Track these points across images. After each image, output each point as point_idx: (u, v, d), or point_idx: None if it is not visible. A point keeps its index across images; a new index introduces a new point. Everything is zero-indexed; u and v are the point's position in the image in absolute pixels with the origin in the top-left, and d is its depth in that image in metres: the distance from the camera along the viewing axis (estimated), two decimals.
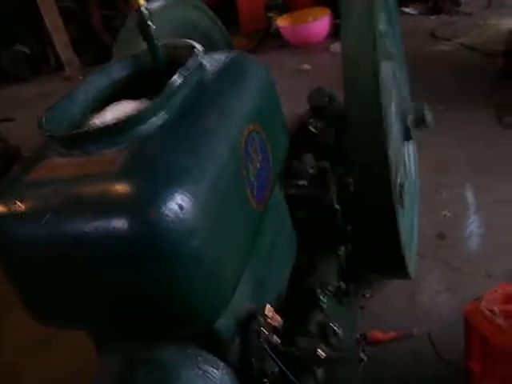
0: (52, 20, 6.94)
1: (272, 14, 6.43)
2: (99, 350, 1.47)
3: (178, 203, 1.07)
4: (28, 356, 2.78)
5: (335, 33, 5.89)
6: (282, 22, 6.20)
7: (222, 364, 1.35)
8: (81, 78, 7.18)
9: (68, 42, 7.22)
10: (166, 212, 1.06)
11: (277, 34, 6.29)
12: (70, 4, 7.39)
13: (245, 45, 5.66)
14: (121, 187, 1.10)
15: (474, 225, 2.99)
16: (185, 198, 1.09)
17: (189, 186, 1.11)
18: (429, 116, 2.39)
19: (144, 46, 1.79)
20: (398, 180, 2.13)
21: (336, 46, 5.67)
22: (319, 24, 5.94)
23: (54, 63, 7.72)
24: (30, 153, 4.15)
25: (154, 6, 2.05)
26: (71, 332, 2.40)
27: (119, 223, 1.07)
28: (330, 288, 1.73)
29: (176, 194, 1.08)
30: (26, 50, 7.68)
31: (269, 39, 6.42)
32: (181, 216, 1.07)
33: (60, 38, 7.15)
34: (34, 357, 2.76)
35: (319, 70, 5.26)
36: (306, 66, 5.36)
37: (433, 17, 5.95)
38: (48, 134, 1.26)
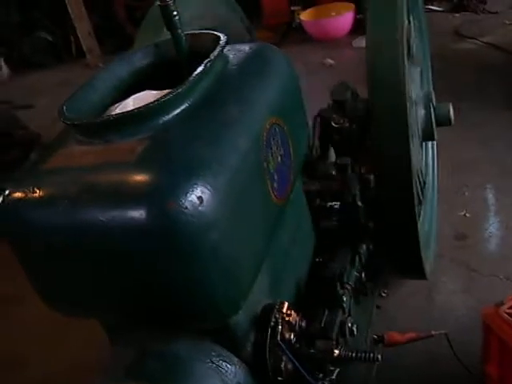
0: (75, 8, 6.95)
1: (295, 8, 6.38)
2: (111, 341, 1.47)
3: (197, 195, 1.06)
4: (39, 345, 2.78)
5: (358, 28, 5.84)
6: (305, 16, 6.15)
7: (237, 359, 1.34)
8: (101, 65, 7.20)
9: (91, 31, 7.23)
10: (186, 204, 1.05)
11: (300, 28, 6.24)
12: None
13: (268, 38, 5.61)
14: (139, 177, 1.09)
15: (493, 226, 2.94)
16: (204, 191, 1.07)
17: (209, 179, 1.09)
18: (452, 115, 2.35)
19: (166, 35, 1.79)
20: (419, 178, 2.11)
21: (358, 41, 5.62)
22: (342, 19, 5.90)
23: (76, 51, 7.72)
24: (50, 140, 4.17)
25: None
26: (83, 322, 2.42)
27: (137, 214, 1.06)
28: (349, 286, 1.71)
29: (196, 186, 1.07)
30: (49, 37, 7.69)
31: (292, 33, 6.38)
32: (200, 208, 1.06)
33: (83, 26, 7.16)
34: (44, 346, 2.77)
35: (342, 64, 5.21)
36: (329, 61, 5.31)
37: (458, 14, 5.87)
38: (68, 121, 1.25)
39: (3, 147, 4.12)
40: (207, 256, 1.10)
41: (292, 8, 6.42)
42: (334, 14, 5.97)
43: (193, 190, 1.06)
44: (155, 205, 1.05)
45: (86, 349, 2.62)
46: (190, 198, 1.05)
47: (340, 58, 5.42)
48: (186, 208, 1.04)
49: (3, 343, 2.84)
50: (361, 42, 5.57)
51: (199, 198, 1.06)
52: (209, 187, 1.08)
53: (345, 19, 5.88)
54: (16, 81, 7.21)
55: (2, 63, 7.31)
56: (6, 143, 4.14)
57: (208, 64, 1.30)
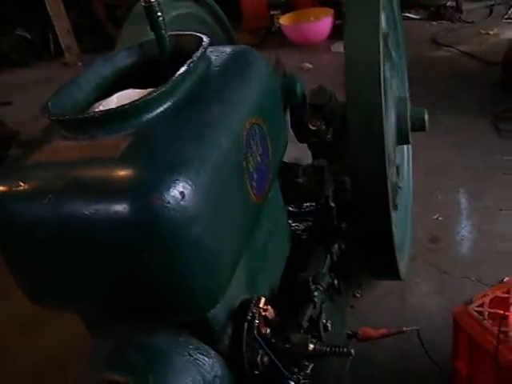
0: (54, 6, 6.93)
1: (275, 12, 6.44)
2: (91, 333, 1.50)
3: (179, 190, 1.10)
4: (20, 337, 2.79)
5: (337, 33, 5.91)
6: (284, 21, 6.21)
7: (214, 353, 1.37)
8: (79, 64, 7.19)
9: (69, 28, 7.21)
10: (168, 199, 1.08)
11: (279, 32, 6.30)
12: None
13: (248, 41, 5.65)
14: (124, 172, 1.12)
15: (465, 230, 3.02)
16: (186, 186, 1.11)
17: (190, 175, 1.13)
18: (427, 121, 2.41)
19: (149, 35, 1.81)
20: (394, 181, 2.16)
21: (337, 46, 5.70)
22: (321, 24, 5.96)
23: (54, 49, 7.70)
24: (28, 137, 4.17)
25: None
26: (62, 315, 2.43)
27: (121, 207, 1.09)
28: (322, 284, 1.75)
29: (178, 182, 1.10)
30: (27, 35, 7.65)
31: (271, 37, 6.43)
32: (182, 203, 1.10)
33: (61, 24, 7.14)
34: (26, 338, 2.78)
35: (320, 69, 5.27)
36: (307, 65, 5.37)
37: (434, 23, 5.97)
38: (53, 117, 1.27)
39: None
40: (188, 249, 1.13)
41: (271, 12, 6.48)
42: (312, 18, 6.04)
43: (175, 186, 1.09)
44: (139, 199, 1.09)
45: (63, 341, 2.64)
46: (172, 193, 1.09)
47: (318, 63, 5.49)
48: (169, 202, 1.08)
49: None
50: (339, 47, 5.64)
51: (181, 193, 1.10)
52: (190, 183, 1.12)
53: (323, 24, 5.95)
54: None
55: None
56: None
57: (191, 64, 1.33)
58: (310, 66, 5.37)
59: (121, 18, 6.94)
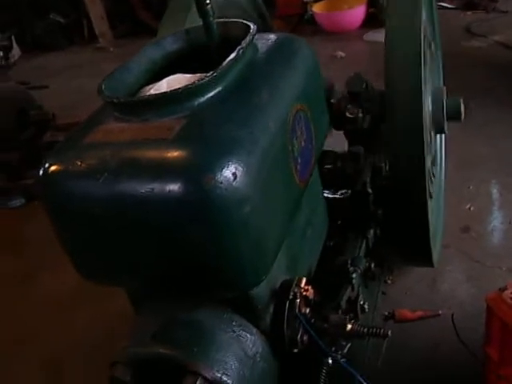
0: None
1: (308, 0, 6.45)
2: (136, 309, 1.56)
3: (232, 172, 1.14)
4: (47, 324, 2.88)
5: (370, 21, 5.91)
6: (317, 8, 6.22)
7: (256, 330, 1.43)
8: (112, 49, 7.28)
9: (103, 14, 7.31)
10: (221, 179, 1.13)
11: (311, 20, 6.31)
12: None
13: (280, 28, 5.68)
14: (178, 153, 1.17)
15: (497, 220, 3.03)
16: (238, 168, 1.15)
17: (242, 157, 1.18)
18: (462, 110, 2.42)
19: (191, 22, 1.87)
20: (430, 169, 2.18)
21: (370, 35, 5.69)
22: (354, 12, 5.96)
23: (88, 34, 7.79)
24: (64, 121, 4.24)
25: None
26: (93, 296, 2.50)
27: (175, 187, 1.14)
28: (360, 266, 1.79)
29: (230, 163, 1.15)
30: (61, 20, 7.75)
31: (303, 24, 6.44)
32: (234, 184, 1.14)
33: (96, 10, 7.25)
34: (52, 325, 2.86)
35: (353, 57, 5.29)
36: (340, 53, 5.38)
37: (469, 12, 5.93)
38: (108, 99, 1.32)
39: (19, 126, 4.19)
40: (238, 228, 1.18)
41: (305, 0, 6.48)
42: (346, 7, 6.04)
43: (228, 167, 1.14)
44: (193, 179, 1.13)
45: (91, 329, 2.72)
46: (225, 174, 1.13)
47: (351, 51, 5.49)
48: (222, 183, 1.13)
49: (13, 321, 2.94)
50: (372, 35, 5.64)
51: (233, 174, 1.14)
52: (242, 164, 1.16)
53: (357, 12, 5.95)
54: (28, 62, 7.27)
55: (14, 44, 7.35)
56: (22, 122, 4.21)
57: (240, 51, 1.37)
58: (343, 54, 5.38)
59: (154, 4, 7.01)
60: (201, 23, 1.56)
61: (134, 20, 7.49)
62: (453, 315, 1.63)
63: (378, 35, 5.22)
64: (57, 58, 7.40)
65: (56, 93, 5.58)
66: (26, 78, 5.45)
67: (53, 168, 1.29)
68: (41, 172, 1.30)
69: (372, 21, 5.87)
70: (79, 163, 1.25)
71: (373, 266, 1.95)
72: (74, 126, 3.84)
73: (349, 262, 1.76)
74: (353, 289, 1.72)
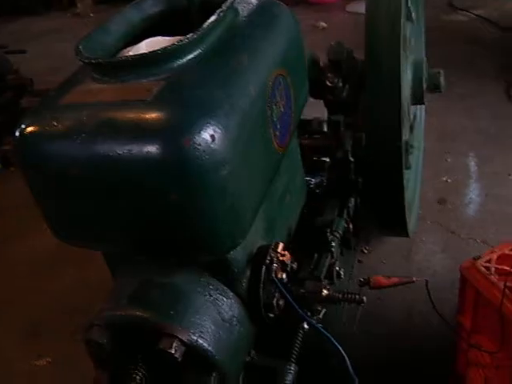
0: None
1: None
2: (114, 273, 1.56)
3: (210, 134, 1.14)
4: (27, 284, 2.88)
5: None
6: None
7: (232, 294, 1.44)
8: (91, 15, 7.16)
9: None
10: (199, 141, 1.12)
11: None
12: None
13: None
14: (156, 114, 1.16)
15: (473, 193, 3.07)
16: (217, 130, 1.15)
17: (221, 119, 1.17)
18: (443, 82, 2.43)
19: None
20: (407, 140, 2.19)
21: (352, 6, 5.68)
22: None
23: None
24: (42, 86, 4.16)
25: None
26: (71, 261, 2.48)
27: (154, 148, 1.13)
28: (338, 234, 1.81)
29: (209, 125, 1.14)
30: None
31: None
32: (212, 146, 1.14)
33: None
34: (33, 285, 2.86)
35: (335, 28, 5.27)
36: (322, 24, 5.36)
37: None
38: (86, 60, 1.30)
39: None
40: (216, 191, 1.18)
41: None
42: None
43: (206, 129, 1.14)
44: (171, 140, 1.13)
45: (68, 294, 2.72)
46: (203, 136, 1.13)
47: (333, 22, 5.47)
48: (200, 145, 1.12)
49: None
50: (355, 6, 5.62)
51: (212, 136, 1.14)
52: (220, 127, 1.16)
53: None
54: (5, 26, 7.12)
55: None
56: None
57: (221, 13, 1.36)
58: (325, 24, 5.36)
59: None
60: None
61: None
62: (427, 282, 1.65)
63: (361, 6, 5.17)
64: (34, 22, 7.26)
65: (34, 58, 5.47)
66: (2, 42, 5.34)
67: (29, 129, 1.27)
68: (17, 133, 1.28)
69: None
70: (56, 124, 1.24)
71: (351, 227, 1.96)
72: None
73: (328, 230, 1.77)
74: (332, 257, 1.73)
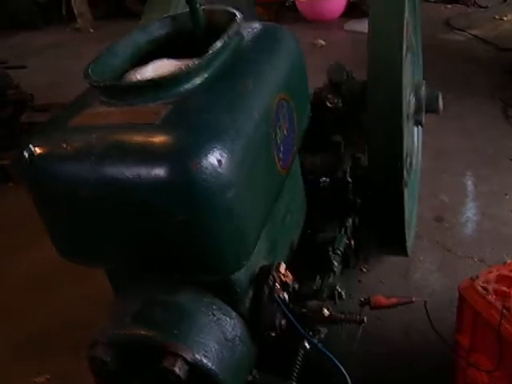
0: None
1: None
2: (116, 291, 1.58)
3: (217, 158, 1.17)
4: (26, 299, 2.88)
5: (351, 11, 5.94)
6: None
7: (235, 314, 1.46)
8: (91, 30, 7.21)
9: None
10: (206, 165, 1.15)
11: (293, 7, 6.33)
12: None
13: (261, 15, 5.69)
14: (164, 138, 1.19)
15: (470, 212, 3.09)
16: (223, 154, 1.18)
17: (227, 143, 1.20)
18: (441, 104, 2.46)
19: (176, 8, 1.87)
20: (408, 160, 2.23)
21: (350, 25, 5.73)
22: (336, 1, 5.99)
23: (66, 14, 7.70)
24: (42, 101, 4.17)
25: None
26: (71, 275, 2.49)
27: (162, 171, 1.16)
28: (339, 252, 1.83)
29: (216, 150, 1.17)
30: None
31: (284, 11, 6.47)
32: (218, 170, 1.17)
33: None
34: (32, 300, 2.86)
35: (333, 46, 5.33)
36: (321, 42, 5.42)
37: (449, 6, 6.01)
38: (95, 83, 1.33)
39: None
40: (222, 213, 1.21)
41: None
42: None
43: (213, 153, 1.17)
44: (179, 164, 1.16)
45: (68, 310, 2.73)
46: (210, 160, 1.16)
47: (331, 40, 5.53)
48: (207, 168, 1.15)
49: None
50: (353, 25, 5.68)
51: (218, 160, 1.17)
52: (227, 151, 1.19)
53: (338, 1, 5.99)
54: (4, 40, 7.16)
55: None
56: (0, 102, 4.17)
57: (227, 38, 1.39)
58: (323, 42, 5.42)
59: None
60: (187, 10, 1.57)
61: (114, 1, 7.42)
62: (425, 303, 1.67)
63: (359, 25, 5.26)
64: (34, 37, 7.31)
65: (34, 73, 5.51)
66: (2, 57, 5.38)
67: (38, 150, 1.29)
68: (25, 153, 1.31)
69: (353, 10, 5.92)
70: (65, 146, 1.26)
71: (349, 253, 1.99)
72: (52, 107, 3.80)
73: (328, 248, 1.79)
74: (334, 274, 1.76)
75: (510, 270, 1.77)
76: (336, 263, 1.79)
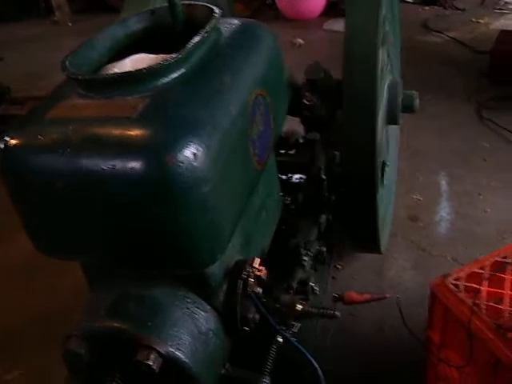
0: None
1: None
2: (91, 284, 1.58)
3: (192, 152, 1.17)
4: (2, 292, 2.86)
5: (330, 10, 5.97)
6: None
7: (209, 307, 1.47)
8: (69, 24, 7.16)
9: None
10: (182, 159, 1.16)
11: (272, 5, 6.35)
12: None
13: (240, 11, 5.69)
14: (140, 131, 1.19)
15: (444, 211, 3.14)
16: (199, 148, 1.19)
17: (203, 138, 1.21)
18: (417, 104, 2.49)
19: (156, 3, 1.87)
20: (381, 158, 2.25)
21: (329, 24, 5.76)
22: (315, 0, 6.01)
23: (44, 7, 7.63)
24: (19, 94, 4.15)
25: None
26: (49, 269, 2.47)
27: (136, 164, 1.16)
28: (312, 249, 1.85)
29: (192, 144, 1.18)
30: None
31: (264, 9, 6.48)
32: (194, 164, 1.17)
33: None
34: (9, 293, 2.84)
35: (312, 45, 5.35)
36: (299, 41, 5.44)
37: (427, 7, 6.06)
38: (72, 76, 1.33)
39: None
40: (197, 207, 1.22)
41: None
42: None
43: (189, 147, 1.17)
44: (154, 157, 1.16)
45: (44, 303, 2.72)
46: (185, 154, 1.16)
47: (310, 39, 5.55)
48: (182, 162, 1.16)
49: None
50: (332, 24, 5.71)
51: (194, 154, 1.17)
52: (203, 145, 1.20)
53: (318, 1, 6.00)
54: None
55: None
56: None
57: (205, 34, 1.40)
58: (302, 41, 5.44)
59: None
60: (166, 4, 1.58)
61: None
62: (398, 299, 1.70)
63: (338, 24, 5.30)
64: (12, 30, 7.22)
65: (12, 65, 5.47)
66: None
67: (14, 141, 1.29)
68: (1, 145, 1.30)
69: (333, 9, 5.94)
70: (41, 137, 1.26)
71: (324, 249, 2.01)
72: (30, 100, 3.76)
73: (301, 245, 1.81)
74: (304, 270, 1.78)
75: (481, 268, 1.81)
76: (306, 258, 1.80)
